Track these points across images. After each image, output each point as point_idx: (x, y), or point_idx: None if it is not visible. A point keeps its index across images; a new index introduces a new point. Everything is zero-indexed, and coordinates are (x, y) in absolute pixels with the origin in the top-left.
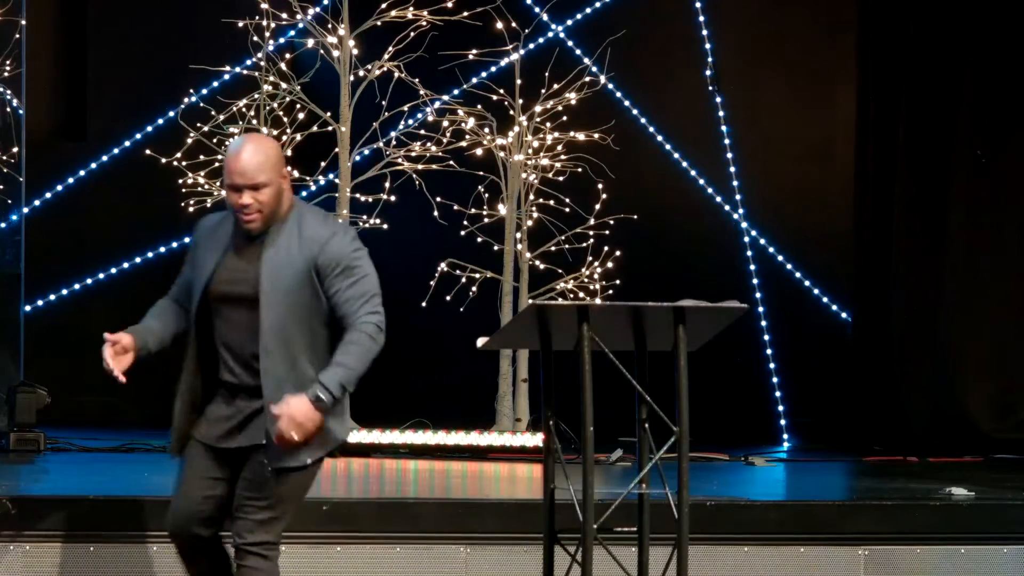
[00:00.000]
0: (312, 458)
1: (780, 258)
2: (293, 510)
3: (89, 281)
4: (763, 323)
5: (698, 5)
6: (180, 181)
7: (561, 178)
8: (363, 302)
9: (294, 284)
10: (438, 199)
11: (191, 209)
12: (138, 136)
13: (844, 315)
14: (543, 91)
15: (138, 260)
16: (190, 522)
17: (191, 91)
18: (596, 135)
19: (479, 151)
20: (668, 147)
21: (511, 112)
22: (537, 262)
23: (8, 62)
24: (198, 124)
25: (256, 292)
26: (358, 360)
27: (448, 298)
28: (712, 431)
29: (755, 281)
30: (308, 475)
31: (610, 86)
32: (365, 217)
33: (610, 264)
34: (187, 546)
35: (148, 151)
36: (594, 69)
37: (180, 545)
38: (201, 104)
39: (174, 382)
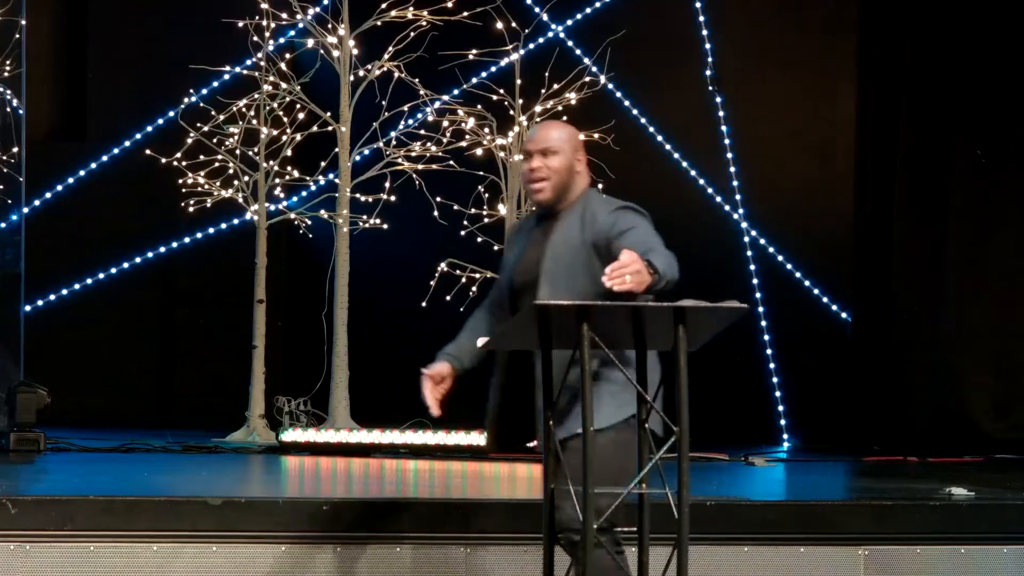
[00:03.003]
0: (579, 429)
1: (780, 258)
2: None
3: (89, 281)
4: (763, 323)
5: (698, 5)
6: (180, 181)
7: None
8: (646, 248)
9: (575, 264)
10: (438, 199)
11: (191, 209)
12: (138, 136)
13: (844, 315)
14: (543, 91)
15: (138, 260)
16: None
17: (191, 91)
18: (596, 135)
19: (479, 151)
20: (668, 147)
21: (511, 112)
22: None
23: (8, 62)
24: (198, 124)
25: (539, 274)
26: (667, 257)
27: (448, 298)
28: (712, 431)
29: (755, 281)
30: (607, 450)
31: (610, 86)
32: (365, 217)
33: None
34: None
35: (148, 151)
36: (594, 69)
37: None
38: (201, 104)
39: (172, 382)
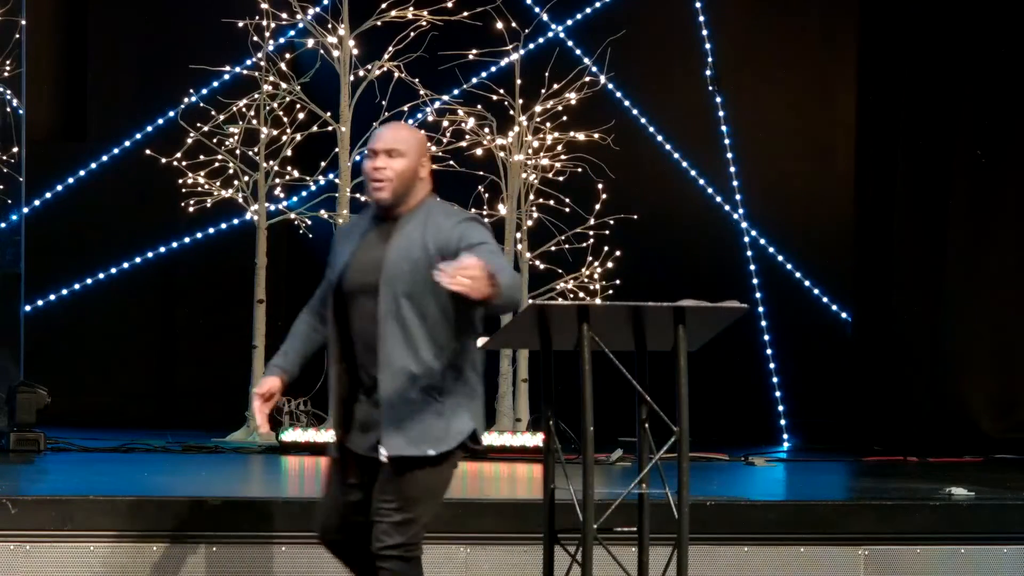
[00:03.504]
0: (435, 450)
1: (780, 258)
2: (429, 510)
3: (89, 281)
4: (763, 323)
5: (698, 5)
6: (180, 181)
7: (561, 178)
8: (496, 268)
9: (416, 272)
10: (438, 199)
11: (191, 209)
12: (138, 136)
13: (844, 315)
14: (543, 91)
15: (138, 260)
16: (329, 529)
17: (191, 91)
18: (596, 135)
19: (479, 151)
20: (668, 147)
21: (511, 112)
22: (537, 262)
23: (8, 62)
24: (198, 124)
25: (378, 280)
26: (514, 280)
27: None
28: (712, 431)
29: (755, 281)
30: (438, 472)
31: (610, 86)
32: None
33: (610, 264)
34: (335, 550)
35: (148, 151)
36: (594, 69)
37: (329, 549)
38: (201, 104)
39: (173, 382)
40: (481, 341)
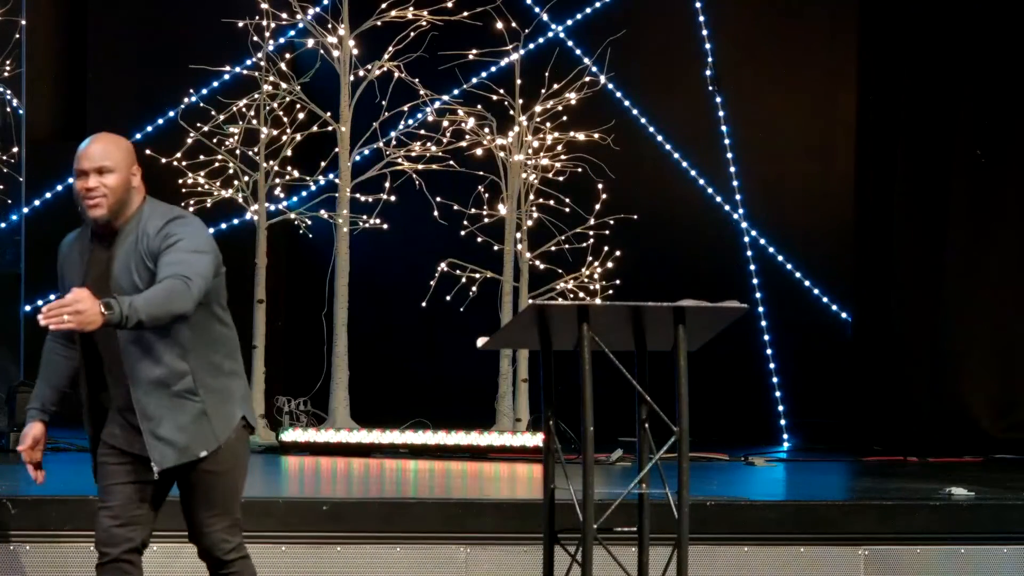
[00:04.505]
0: (206, 450)
1: (780, 258)
2: (239, 501)
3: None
4: (763, 323)
5: (698, 5)
6: (180, 181)
7: (561, 178)
8: (174, 269)
9: (140, 286)
10: (438, 199)
11: (191, 209)
12: (138, 136)
13: (844, 315)
14: (543, 91)
15: None
16: (120, 522)
17: (191, 91)
18: (596, 135)
19: (479, 151)
20: (668, 147)
21: (511, 112)
22: (537, 262)
23: (8, 62)
24: (198, 124)
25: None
26: (157, 293)
27: (448, 298)
28: (712, 431)
29: (755, 281)
30: (230, 464)
31: (610, 86)
32: (365, 217)
33: (610, 264)
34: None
35: (148, 151)
36: (594, 69)
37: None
38: (201, 104)
39: None
40: (481, 341)
